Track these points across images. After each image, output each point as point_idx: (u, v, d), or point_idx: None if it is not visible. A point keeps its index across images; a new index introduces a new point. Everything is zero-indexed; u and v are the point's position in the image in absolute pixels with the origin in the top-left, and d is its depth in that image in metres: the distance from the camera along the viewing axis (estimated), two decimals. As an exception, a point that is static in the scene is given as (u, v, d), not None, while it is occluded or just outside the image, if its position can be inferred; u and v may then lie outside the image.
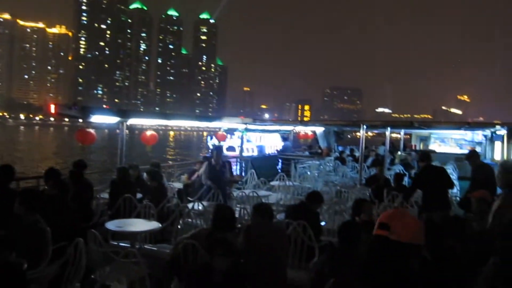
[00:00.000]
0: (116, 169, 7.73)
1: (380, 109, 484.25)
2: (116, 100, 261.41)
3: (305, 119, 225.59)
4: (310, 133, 19.93)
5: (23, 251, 3.68)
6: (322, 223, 6.34)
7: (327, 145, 20.03)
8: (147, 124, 17.86)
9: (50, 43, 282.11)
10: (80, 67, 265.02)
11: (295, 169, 13.76)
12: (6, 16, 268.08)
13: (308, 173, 13.43)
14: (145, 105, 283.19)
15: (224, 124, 11.79)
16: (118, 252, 4.89)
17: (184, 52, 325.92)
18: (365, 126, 11.32)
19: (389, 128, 13.64)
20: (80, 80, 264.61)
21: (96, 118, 6.88)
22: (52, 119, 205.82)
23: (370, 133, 47.42)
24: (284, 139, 17.29)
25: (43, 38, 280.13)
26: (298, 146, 23.20)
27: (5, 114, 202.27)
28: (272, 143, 36.49)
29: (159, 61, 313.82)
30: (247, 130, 14.65)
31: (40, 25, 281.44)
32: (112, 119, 7.38)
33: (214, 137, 42.72)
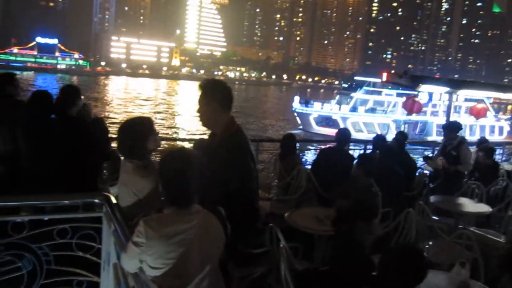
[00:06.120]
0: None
1: None
2: (410, 66, 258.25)
3: None
4: None
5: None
6: None
7: None
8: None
9: (350, 8, 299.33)
10: (372, 30, 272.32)
11: None
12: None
13: None
14: (441, 71, 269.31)
15: None
16: (443, 229, 4.99)
17: (496, 10, 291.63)
18: None
19: None
20: (370, 44, 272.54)
21: (425, 88, 6.94)
22: (336, 82, 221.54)
23: None
24: None
25: (343, 3, 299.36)
26: None
27: (302, 77, 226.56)
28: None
29: (464, 21, 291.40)
30: None
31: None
32: (441, 89, 7.32)
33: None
